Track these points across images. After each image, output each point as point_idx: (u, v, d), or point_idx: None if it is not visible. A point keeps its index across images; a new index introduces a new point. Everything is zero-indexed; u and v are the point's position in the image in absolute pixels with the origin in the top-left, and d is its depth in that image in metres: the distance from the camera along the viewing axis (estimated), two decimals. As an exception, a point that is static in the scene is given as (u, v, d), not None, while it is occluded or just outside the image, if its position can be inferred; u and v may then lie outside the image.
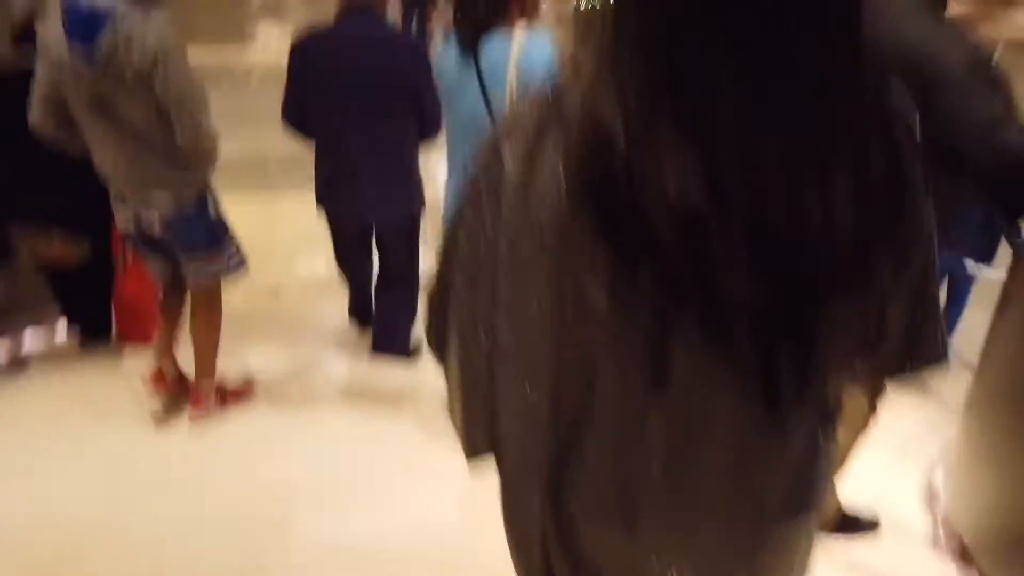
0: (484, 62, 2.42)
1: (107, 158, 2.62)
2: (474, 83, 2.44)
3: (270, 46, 11.14)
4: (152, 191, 2.66)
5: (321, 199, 3.33)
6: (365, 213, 3.28)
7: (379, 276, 3.54)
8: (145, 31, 2.36)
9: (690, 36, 0.76)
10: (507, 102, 2.34)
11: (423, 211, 3.41)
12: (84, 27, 2.35)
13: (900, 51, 1.58)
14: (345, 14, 2.94)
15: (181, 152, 2.54)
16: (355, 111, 2.96)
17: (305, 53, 2.99)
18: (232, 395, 3.24)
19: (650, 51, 0.78)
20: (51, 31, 2.43)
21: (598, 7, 0.85)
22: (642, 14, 0.79)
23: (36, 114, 2.61)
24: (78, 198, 3.08)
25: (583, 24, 0.87)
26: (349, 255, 3.53)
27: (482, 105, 2.43)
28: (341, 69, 2.92)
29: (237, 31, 11.73)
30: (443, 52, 2.60)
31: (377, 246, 3.45)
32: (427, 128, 3.03)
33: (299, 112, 3.08)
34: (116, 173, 2.66)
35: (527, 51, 2.37)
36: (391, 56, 2.91)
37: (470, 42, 2.42)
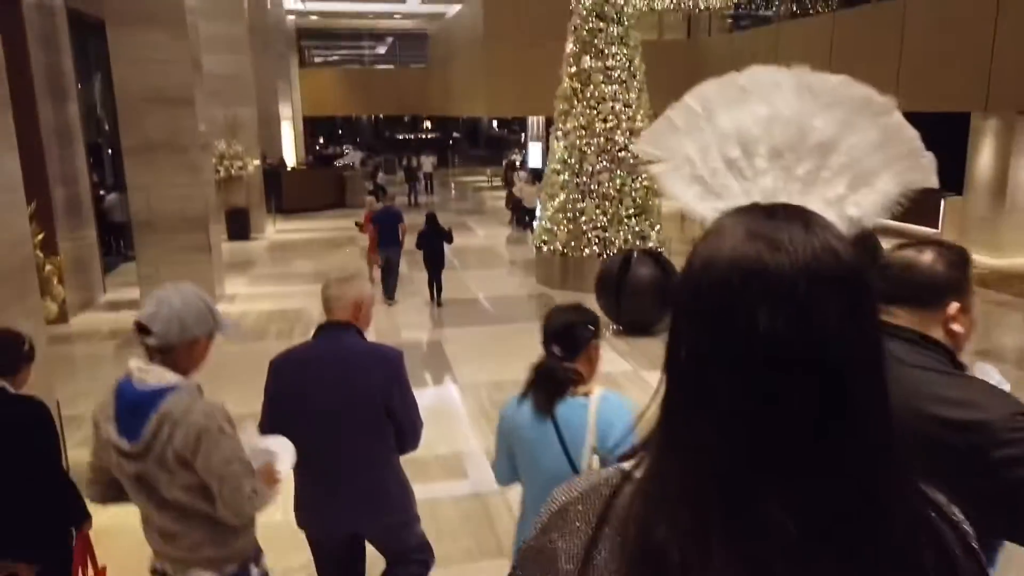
0: (562, 424, 2.52)
1: (151, 533, 2.58)
2: (555, 443, 2.51)
3: (236, 300, 11.40)
4: (192, 570, 2.56)
5: (300, 519, 3.14)
6: (348, 525, 3.09)
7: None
8: (190, 413, 2.37)
9: (737, 456, 0.76)
10: (588, 463, 2.46)
11: (417, 520, 3.23)
12: (132, 411, 2.40)
13: (942, 415, 1.59)
14: (322, 329, 3.02)
15: (223, 521, 2.48)
16: (327, 429, 2.96)
17: (280, 372, 3.04)
18: None
19: (699, 466, 0.78)
20: (102, 411, 2.48)
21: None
22: (689, 426, 0.80)
23: (89, 482, 2.63)
24: (32, 524, 2.99)
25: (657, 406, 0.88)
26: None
27: (566, 464, 2.48)
28: (313, 389, 2.95)
29: (207, 286, 12.00)
30: (516, 409, 2.68)
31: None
32: (405, 444, 3.07)
33: (275, 430, 2.99)
34: (158, 548, 2.60)
35: (603, 413, 2.52)
36: (365, 374, 2.94)
37: (547, 407, 2.55)
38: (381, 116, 45.43)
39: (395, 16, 34.67)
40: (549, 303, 11.37)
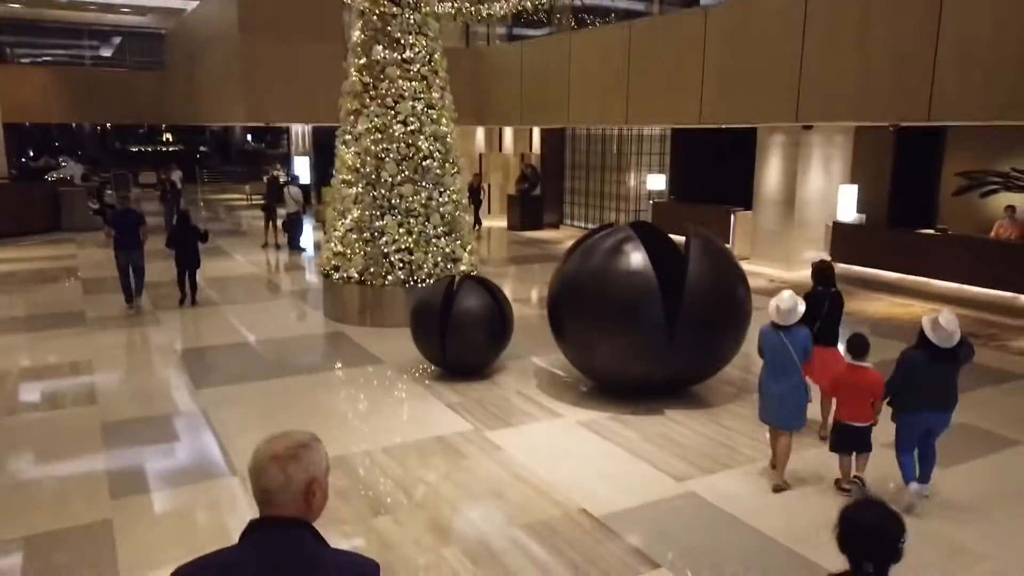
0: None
1: None
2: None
3: None
4: None
5: None
6: None
7: None
8: None
9: None
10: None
11: None
12: None
13: None
14: (255, 531, 1.88)
15: None
16: None
17: None
18: None
19: None
20: None
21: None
22: None
23: None
24: None
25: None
26: None
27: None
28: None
29: None
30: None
31: None
32: None
33: None
34: None
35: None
36: None
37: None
38: (109, 126, 39.26)
39: (123, 10, 29.81)
40: (345, 344, 9.20)
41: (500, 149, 22.38)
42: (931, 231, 12.83)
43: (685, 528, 4.91)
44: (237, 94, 17.20)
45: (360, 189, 9.76)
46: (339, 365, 8.60)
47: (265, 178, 18.85)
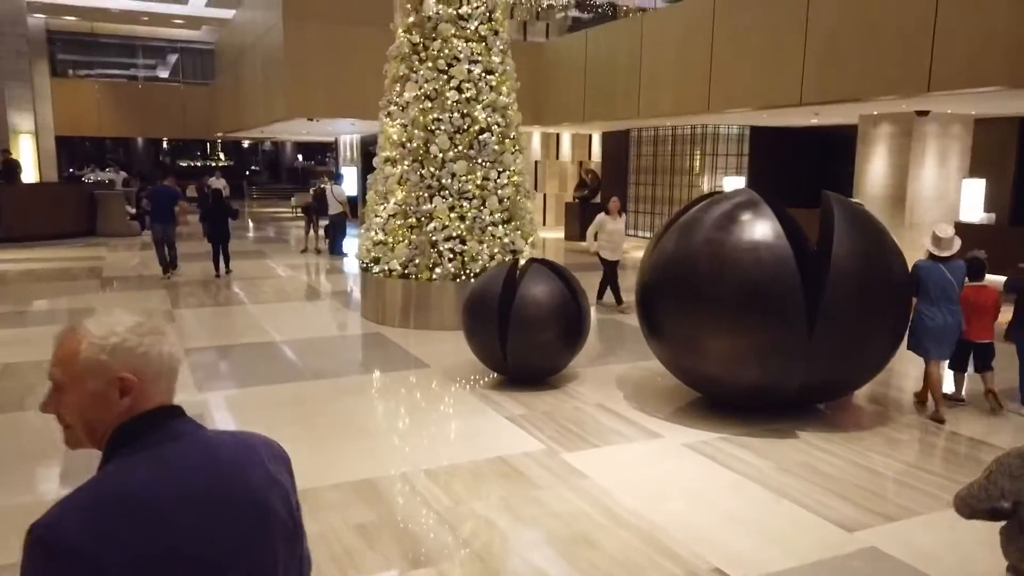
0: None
1: None
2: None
3: None
4: None
5: None
6: None
7: None
8: None
9: None
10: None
11: None
12: None
13: None
14: (157, 426, 1.29)
15: None
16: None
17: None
18: None
19: None
20: None
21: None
22: None
23: None
24: None
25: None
26: None
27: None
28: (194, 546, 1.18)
29: None
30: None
31: None
32: None
33: None
34: None
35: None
36: (265, 486, 1.29)
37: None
38: (165, 144, 39.26)
39: (175, 21, 29.56)
40: (383, 347, 7.72)
41: (557, 156, 20.94)
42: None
43: (880, 605, 3.22)
44: (279, 91, 16.17)
45: (406, 167, 8.34)
46: (374, 369, 7.11)
47: (312, 190, 17.86)
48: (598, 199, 18.24)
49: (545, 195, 20.18)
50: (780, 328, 4.94)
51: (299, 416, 5.55)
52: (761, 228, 5.07)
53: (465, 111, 8.25)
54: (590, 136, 20.36)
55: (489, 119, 8.35)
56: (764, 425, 5.32)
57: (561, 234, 18.48)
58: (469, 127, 8.26)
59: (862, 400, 6.06)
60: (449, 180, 8.20)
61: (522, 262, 6.60)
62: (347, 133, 23.98)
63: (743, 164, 15.76)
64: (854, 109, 11.34)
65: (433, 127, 8.24)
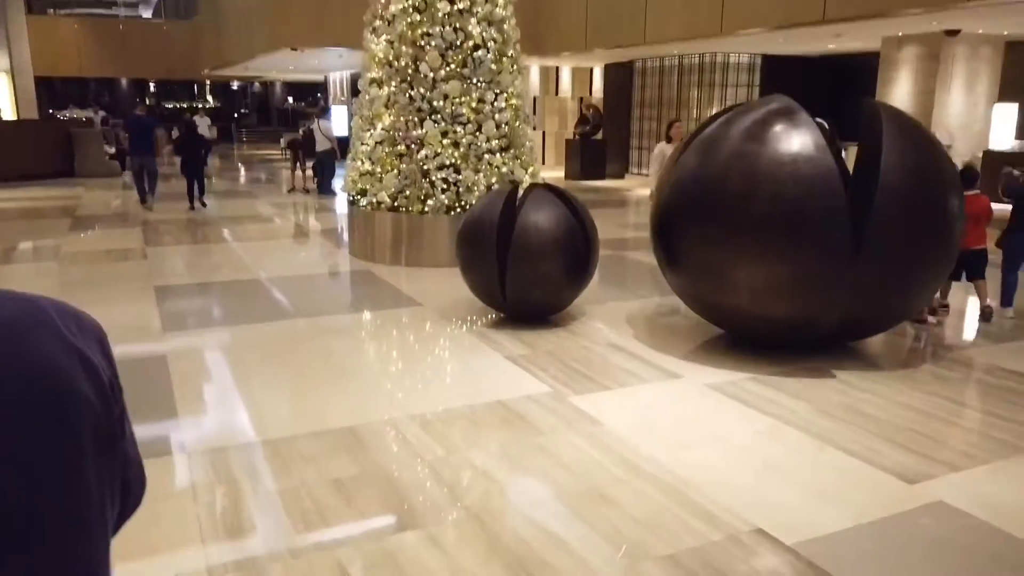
0: None
1: None
2: None
3: None
4: None
5: None
6: None
7: None
8: None
9: None
10: None
11: None
12: None
13: None
14: None
15: None
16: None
17: None
18: None
19: None
20: None
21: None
22: None
23: None
24: None
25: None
26: None
27: None
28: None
29: None
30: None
31: None
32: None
33: None
34: None
35: None
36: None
37: None
38: (151, 86, 37.94)
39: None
40: (372, 284, 7.12)
41: (557, 92, 20.00)
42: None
43: (960, 571, 2.68)
44: (261, 20, 15.20)
45: (393, 88, 7.58)
46: (362, 309, 6.51)
47: (301, 130, 17.06)
48: (600, 135, 17.44)
49: (544, 133, 19.32)
50: (821, 254, 4.32)
51: (277, 358, 4.96)
52: (800, 139, 4.40)
53: (458, 24, 7.46)
54: (591, 70, 19.38)
55: (484, 34, 7.56)
56: (796, 364, 4.74)
57: (561, 173, 17.69)
58: (462, 43, 7.48)
59: (894, 335, 5.48)
60: (441, 102, 7.46)
61: (523, 188, 5.93)
62: (336, 70, 22.94)
63: (754, 96, 14.91)
64: (878, 28, 10.49)
65: (422, 43, 7.46)
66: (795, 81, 14.09)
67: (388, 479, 3.31)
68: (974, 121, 11.02)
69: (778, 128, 4.50)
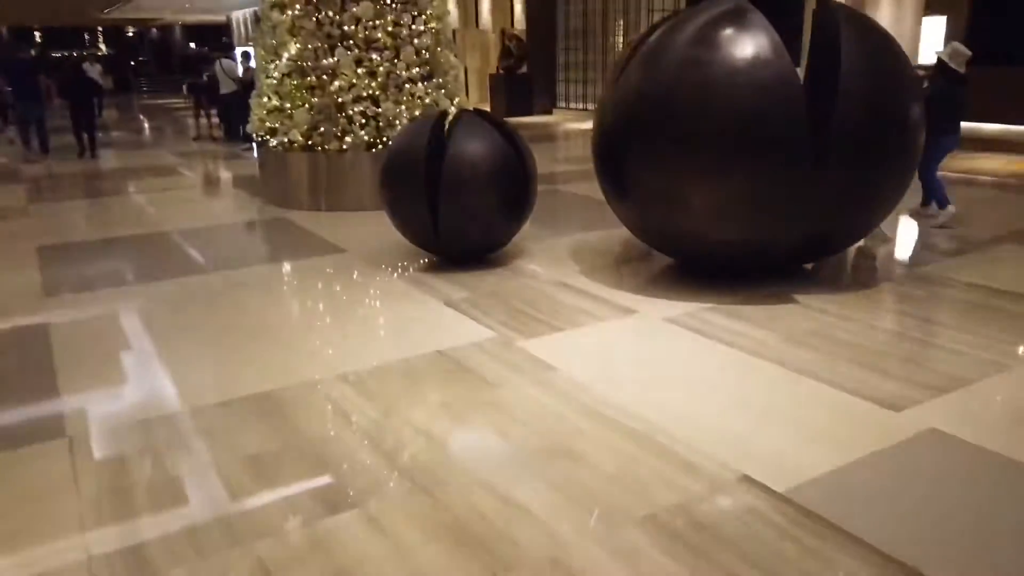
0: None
1: None
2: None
3: None
4: None
5: None
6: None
7: None
8: None
9: None
10: None
11: None
12: None
13: None
14: None
15: None
16: None
17: None
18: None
19: None
20: None
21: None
22: None
23: None
24: None
25: None
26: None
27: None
28: None
29: None
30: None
31: None
32: None
33: None
34: None
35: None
36: None
37: None
38: (37, 35, 34.83)
39: None
40: (288, 231, 6.49)
41: (477, 25, 19.10)
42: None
43: (967, 508, 2.40)
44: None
45: (298, 11, 6.80)
46: (279, 259, 5.88)
47: (205, 76, 15.74)
48: (524, 68, 16.76)
49: (466, 69, 18.49)
50: (781, 168, 3.95)
51: (182, 317, 4.35)
52: (756, 43, 3.97)
53: (367, -62, 6.70)
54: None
55: (397, -52, 6.83)
56: (755, 290, 4.43)
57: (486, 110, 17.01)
58: (373, -42, 6.74)
59: (848, 255, 5.25)
60: (352, 27, 6.74)
61: (451, 114, 5.36)
62: (239, 8, 21.35)
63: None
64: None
65: (328, -41, 6.68)
66: None
67: (315, 451, 2.82)
68: (902, 35, 10.88)
69: (729, 31, 4.06)
